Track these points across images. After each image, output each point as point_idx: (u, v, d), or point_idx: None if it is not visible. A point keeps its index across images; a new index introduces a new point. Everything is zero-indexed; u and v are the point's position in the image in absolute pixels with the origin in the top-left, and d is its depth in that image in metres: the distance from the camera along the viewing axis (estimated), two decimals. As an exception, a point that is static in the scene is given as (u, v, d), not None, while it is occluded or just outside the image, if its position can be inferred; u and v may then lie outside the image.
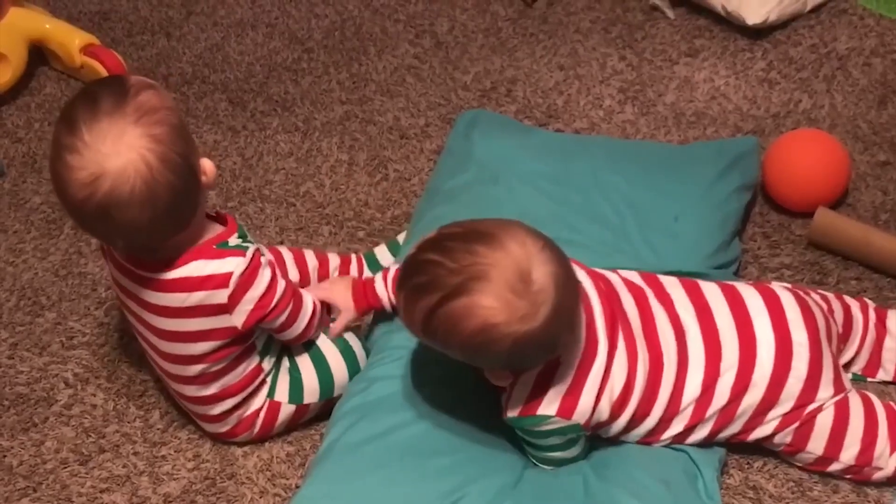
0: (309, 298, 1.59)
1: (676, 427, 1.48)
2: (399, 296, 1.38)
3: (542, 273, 1.31)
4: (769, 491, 1.54)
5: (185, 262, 1.47)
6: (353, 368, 1.64)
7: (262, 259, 1.50)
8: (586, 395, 1.41)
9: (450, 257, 1.33)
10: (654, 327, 1.48)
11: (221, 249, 1.48)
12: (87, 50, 2.26)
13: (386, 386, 1.57)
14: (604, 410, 1.43)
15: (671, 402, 1.47)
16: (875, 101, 2.10)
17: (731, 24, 2.27)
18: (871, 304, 1.66)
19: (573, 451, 1.49)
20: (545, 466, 1.51)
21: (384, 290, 1.60)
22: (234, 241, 1.50)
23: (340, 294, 1.61)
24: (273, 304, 1.51)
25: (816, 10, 2.29)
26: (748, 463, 1.57)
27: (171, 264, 1.47)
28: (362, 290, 1.61)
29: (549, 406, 1.41)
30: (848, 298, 1.64)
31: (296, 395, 1.61)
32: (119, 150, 1.34)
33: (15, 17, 2.27)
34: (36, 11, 2.34)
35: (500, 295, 1.30)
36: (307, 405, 1.62)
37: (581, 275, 1.47)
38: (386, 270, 1.62)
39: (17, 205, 2.08)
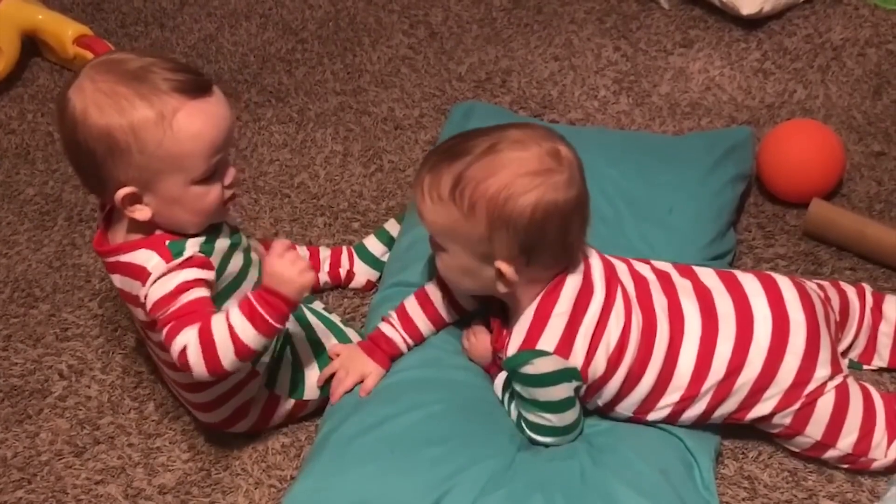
0: (183, 336, 1.40)
1: (671, 397, 1.48)
2: (422, 175, 1.42)
3: (568, 153, 1.41)
4: (764, 481, 1.54)
5: (135, 249, 1.44)
6: None
7: (184, 272, 1.42)
8: (582, 337, 1.43)
9: (482, 133, 1.42)
10: (649, 295, 1.49)
11: (170, 249, 1.43)
12: (80, 41, 2.25)
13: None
14: (600, 361, 1.44)
15: (665, 366, 1.47)
16: (869, 92, 2.10)
17: (725, 14, 2.27)
18: (869, 289, 1.66)
19: (568, 417, 1.48)
20: (539, 437, 1.50)
21: (392, 329, 1.57)
22: (191, 246, 1.44)
23: (361, 362, 1.57)
24: (158, 314, 1.41)
25: (811, 0, 2.29)
26: (743, 453, 1.57)
27: (123, 247, 1.45)
28: (372, 345, 1.57)
29: (547, 341, 1.42)
30: (844, 285, 1.64)
31: (297, 391, 1.61)
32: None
33: (8, 7, 2.26)
34: (29, 2, 2.33)
35: (534, 152, 1.38)
36: (307, 401, 1.62)
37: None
38: (386, 316, 1.60)
39: (10, 196, 2.07)
